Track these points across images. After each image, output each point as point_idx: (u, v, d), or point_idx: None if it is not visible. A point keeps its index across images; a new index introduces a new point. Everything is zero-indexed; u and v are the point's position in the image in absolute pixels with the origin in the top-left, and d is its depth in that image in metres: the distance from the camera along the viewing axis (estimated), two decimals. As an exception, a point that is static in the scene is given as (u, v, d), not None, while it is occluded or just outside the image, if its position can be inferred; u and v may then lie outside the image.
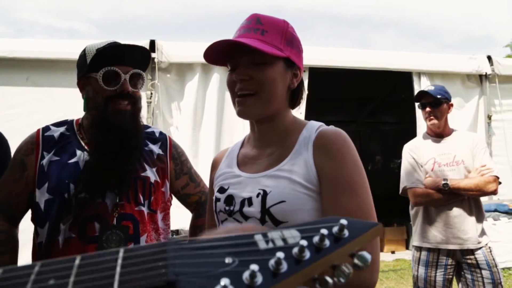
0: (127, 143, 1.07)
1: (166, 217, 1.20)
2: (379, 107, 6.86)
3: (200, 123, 3.69)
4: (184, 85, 3.72)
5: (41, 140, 1.12)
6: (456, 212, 1.96)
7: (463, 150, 2.03)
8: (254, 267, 0.25)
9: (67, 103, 3.40)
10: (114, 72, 1.07)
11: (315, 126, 0.83)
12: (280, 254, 0.26)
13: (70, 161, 1.08)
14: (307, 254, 0.27)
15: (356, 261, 0.28)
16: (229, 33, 0.88)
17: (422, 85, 4.13)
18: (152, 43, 3.59)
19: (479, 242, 1.95)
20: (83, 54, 1.12)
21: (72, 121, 1.18)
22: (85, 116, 1.15)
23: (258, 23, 0.80)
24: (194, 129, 3.65)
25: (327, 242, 0.28)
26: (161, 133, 1.25)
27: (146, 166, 1.14)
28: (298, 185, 0.74)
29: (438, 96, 2.04)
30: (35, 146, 1.11)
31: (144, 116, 3.79)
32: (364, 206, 0.71)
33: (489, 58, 4.18)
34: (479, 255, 1.94)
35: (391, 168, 7.96)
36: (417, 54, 4.35)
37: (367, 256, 0.29)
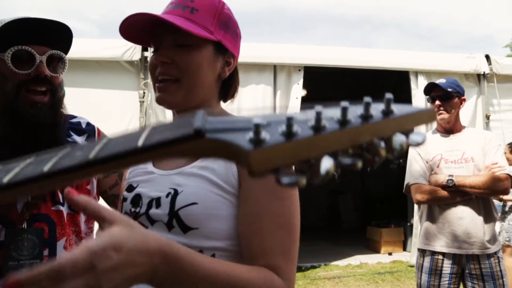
0: (43, 137, 0.90)
1: (90, 220, 1.04)
2: (377, 107, 6.81)
3: (193, 122, 3.64)
4: (177, 84, 3.68)
5: None
6: (462, 213, 1.79)
7: (473, 147, 1.86)
8: (306, 116, 0.25)
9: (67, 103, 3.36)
10: (26, 53, 0.88)
11: None
12: (320, 113, 0.24)
13: None
14: (352, 120, 0.25)
15: (410, 139, 0.27)
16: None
17: (419, 84, 4.08)
18: (145, 41, 3.54)
19: (486, 248, 1.78)
20: None
21: None
22: None
23: (188, 0, 0.70)
24: (187, 129, 3.61)
25: (373, 112, 0.25)
26: (88, 123, 1.09)
27: None
28: (214, 185, 0.64)
29: (449, 89, 1.89)
30: None
31: (137, 116, 3.74)
32: (287, 213, 0.62)
33: (487, 57, 4.13)
34: (485, 265, 1.77)
35: (389, 168, 7.90)
36: (414, 53, 4.30)
37: (421, 136, 0.27)
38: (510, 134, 3.95)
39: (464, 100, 1.99)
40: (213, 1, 0.72)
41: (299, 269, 4.42)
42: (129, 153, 0.28)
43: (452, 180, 1.78)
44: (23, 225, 0.89)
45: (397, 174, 7.87)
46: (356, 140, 0.25)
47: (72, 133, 1.05)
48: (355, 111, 0.26)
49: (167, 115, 3.68)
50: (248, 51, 3.40)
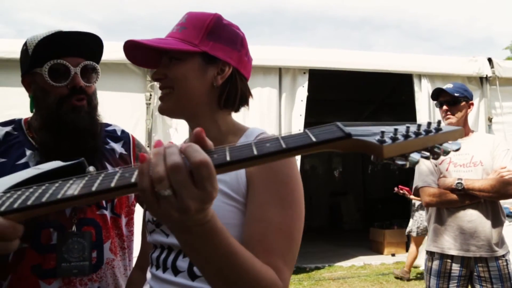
0: (83, 144, 0.95)
1: (130, 223, 1.09)
2: (379, 108, 6.85)
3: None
4: (184, 87, 3.71)
5: None
6: (470, 216, 1.82)
7: (482, 151, 1.89)
8: (402, 129, 0.44)
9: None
10: (61, 66, 0.93)
11: (255, 133, 0.77)
12: (409, 129, 0.44)
13: (19, 162, 0.96)
14: (422, 133, 0.44)
15: (445, 146, 0.45)
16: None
17: (422, 87, 4.13)
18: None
19: (494, 251, 1.81)
20: (25, 48, 0.98)
21: (20, 120, 1.05)
22: (34, 116, 1.01)
23: (183, 21, 0.78)
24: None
25: (432, 129, 0.45)
26: (123, 131, 1.15)
27: (108, 166, 1.04)
28: (226, 197, 0.68)
29: (456, 94, 1.93)
30: None
31: (144, 118, 3.77)
32: (288, 220, 0.65)
33: (489, 60, 4.17)
34: (493, 267, 1.81)
35: (391, 170, 7.94)
36: (417, 56, 4.34)
37: (453, 145, 0.46)
38: (513, 136, 4.00)
39: (472, 104, 2.02)
40: (203, 17, 0.77)
41: (304, 270, 4.45)
42: (306, 146, 0.45)
43: (461, 183, 1.81)
44: (73, 229, 0.93)
45: (398, 175, 7.91)
46: (425, 144, 0.45)
47: (109, 140, 1.09)
48: (423, 127, 0.45)
49: (173, 118, 3.71)
50: (253, 54, 3.40)
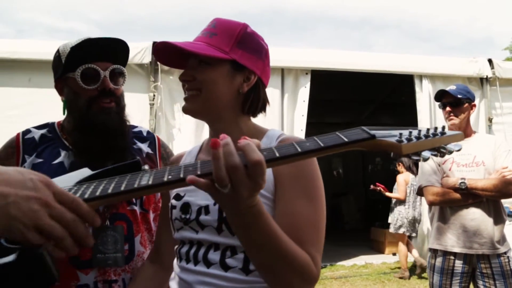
0: (113, 143, 1.02)
1: (157, 218, 1.13)
2: (379, 109, 6.89)
3: (202, 124, 3.68)
4: (187, 87, 3.72)
5: (21, 143, 1.07)
6: (473, 214, 1.86)
7: (484, 151, 1.93)
8: (415, 132, 0.54)
9: (69, 105, 3.41)
10: (92, 70, 1.01)
11: (276, 134, 0.83)
12: (421, 132, 0.55)
13: (54, 162, 1.03)
14: (430, 136, 0.54)
15: (448, 147, 0.55)
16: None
17: (423, 87, 4.16)
18: (154, 45, 3.59)
19: (496, 248, 1.85)
20: (58, 55, 1.06)
21: (53, 123, 1.13)
22: (67, 119, 1.09)
23: (212, 27, 0.81)
24: (196, 131, 3.65)
25: (438, 133, 0.55)
26: (148, 132, 1.21)
27: None
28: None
29: (459, 96, 1.98)
30: (15, 150, 1.07)
31: (147, 118, 3.79)
32: (315, 213, 0.72)
33: (489, 61, 4.21)
34: (495, 264, 1.85)
35: (391, 170, 7.97)
36: (418, 57, 4.37)
37: (455, 146, 0.55)
38: (513, 136, 4.03)
39: (475, 105, 2.06)
40: (234, 25, 0.82)
41: (305, 270, 4.46)
42: (339, 145, 0.54)
43: (464, 183, 1.85)
44: (106, 223, 0.99)
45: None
46: (433, 145, 0.54)
47: (136, 141, 1.15)
48: (431, 131, 0.55)
49: (177, 118, 3.73)
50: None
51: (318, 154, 0.54)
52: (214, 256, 0.75)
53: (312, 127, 4.08)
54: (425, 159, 0.54)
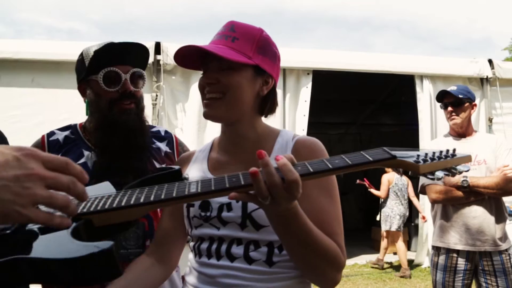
0: (134, 142, 1.07)
1: None
2: (379, 109, 6.91)
3: (204, 124, 3.70)
4: (189, 87, 3.74)
5: (46, 145, 1.12)
6: (475, 212, 1.90)
7: (485, 150, 1.97)
8: (430, 154, 0.62)
9: (72, 104, 3.39)
10: (114, 73, 1.05)
11: (290, 134, 0.87)
12: (434, 154, 0.62)
13: (78, 162, 1.07)
14: (443, 158, 0.61)
15: (458, 168, 0.62)
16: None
17: (424, 87, 4.18)
18: (158, 45, 3.60)
19: (498, 245, 1.89)
20: (81, 58, 1.11)
21: (75, 125, 1.19)
22: (89, 119, 1.14)
23: (231, 31, 0.82)
24: (199, 131, 3.67)
25: (449, 155, 0.62)
26: (166, 131, 1.25)
27: (155, 163, 1.14)
28: None
29: (460, 96, 2.02)
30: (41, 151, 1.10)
31: (149, 117, 3.80)
32: (337, 208, 0.81)
33: (490, 61, 4.23)
34: (497, 261, 1.89)
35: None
36: (419, 57, 4.40)
37: (464, 167, 0.63)
38: (513, 136, 4.06)
39: (475, 105, 2.10)
40: (252, 30, 0.84)
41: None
42: (365, 163, 0.61)
43: (466, 181, 1.88)
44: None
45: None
46: (445, 165, 0.62)
47: (155, 140, 1.19)
48: (443, 153, 0.62)
49: (179, 118, 3.74)
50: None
51: (345, 170, 0.62)
52: (237, 250, 0.77)
53: (312, 127, 4.10)
54: (438, 179, 0.61)
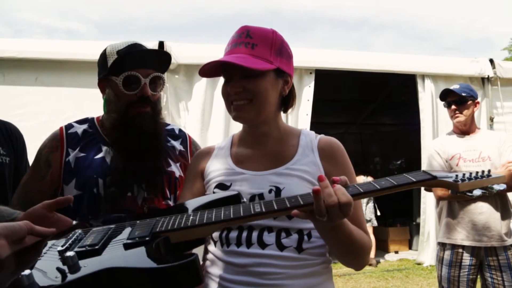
0: (149, 145, 1.08)
1: None
2: (379, 108, 6.93)
3: (208, 123, 3.72)
4: (192, 86, 3.75)
5: (65, 137, 1.12)
6: (481, 208, 1.94)
7: (489, 147, 2.02)
8: (467, 174, 0.73)
9: (75, 103, 3.41)
10: (134, 77, 1.07)
11: (311, 133, 0.94)
12: (471, 174, 0.73)
13: (97, 157, 1.08)
14: (479, 178, 0.71)
15: (495, 187, 0.72)
16: (228, 34, 0.93)
17: (425, 87, 4.21)
18: (161, 44, 3.62)
19: (504, 241, 1.93)
20: (104, 55, 1.12)
21: (93, 118, 1.19)
22: (106, 116, 1.16)
23: (248, 37, 0.85)
24: (202, 129, 3.68)
25: (485, 175, 0.72)
26: (180, 130, 1.27)
27: (170, 161, 1.16)
28: (308, 183, 0.84)
29: (463, 94, 2.05)
30: (59, 143, 1.11)
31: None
32: (359, 201, 0.88)
33: (491, 61, 4.26)
34: (502, 256, 1.91)
35: (390, 169, 8.02)
36: (421, 57, 4.42)
37: (500, 186, 0.73)
38: (514, 135, 4.08)
39: (478, 103, 2.13)
40: (267, 33, 0.87)
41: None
42: (409, 183, 0.72)
43: None
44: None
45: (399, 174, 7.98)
46: (482, 184, 0.71)
47: (169, 139, 1.21)
48: (480, 174, 0.72)
49: (182, 117, 3.75)
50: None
51: (391, 190, 0.72)
52: (269, 238, 0.81)
53: (313, 127, 4.11)
54: (476, 196, 0.70)
